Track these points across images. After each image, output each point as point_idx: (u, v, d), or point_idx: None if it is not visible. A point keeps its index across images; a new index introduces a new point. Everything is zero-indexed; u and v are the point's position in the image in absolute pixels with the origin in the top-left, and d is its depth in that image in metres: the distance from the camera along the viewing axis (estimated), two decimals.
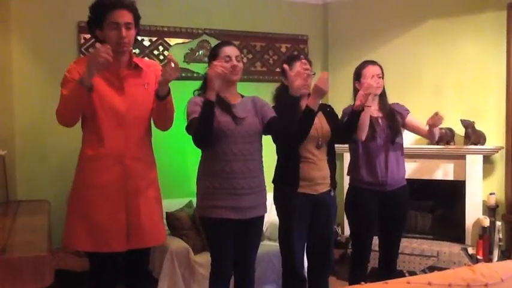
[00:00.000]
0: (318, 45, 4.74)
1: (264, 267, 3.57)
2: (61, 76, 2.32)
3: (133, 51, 2.48)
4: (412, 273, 3.88)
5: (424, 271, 3.91)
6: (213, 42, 4.00)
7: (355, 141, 3.01)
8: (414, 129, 3.18)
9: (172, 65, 2.21)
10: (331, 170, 2.91)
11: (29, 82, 3.70)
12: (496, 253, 3.88)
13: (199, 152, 2.63)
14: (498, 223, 3.94)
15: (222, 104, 2.53)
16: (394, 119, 3.07)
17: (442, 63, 4.28)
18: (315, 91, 2.53)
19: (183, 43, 4.23)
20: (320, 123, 2.85)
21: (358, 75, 3.09)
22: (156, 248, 3.29)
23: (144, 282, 2.53)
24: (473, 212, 4.04)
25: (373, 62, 3.08)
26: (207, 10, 4.29)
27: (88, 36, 3.62)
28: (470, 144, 4.03)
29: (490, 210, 3.98)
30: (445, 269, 1.70)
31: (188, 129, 2.51)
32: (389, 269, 3.13)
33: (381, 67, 3.08)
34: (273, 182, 2.91)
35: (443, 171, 4.19)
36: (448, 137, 4.10)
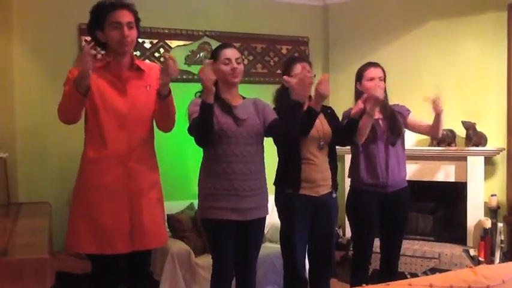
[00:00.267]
0: (318, 47, 4.75)
1: (265, 269, 3.57)
2: (62, 78, 2.34)
3: (134, 53, 2.46)
4: (414, 275, 3.88)
5: (425, 273, 3.91)
6: (214, 44, 4.01)
7: (355, 144, 3.01)
8: (416, 128, 3.16)
9: (172, 63, 2.19)
10: (332, 172, 2.92)
11: (30, 84, 3.71)
12: (497, 255, 3.88)
13: (200, 154, 2.64)
14: (500, 224, 3.94)
15: (223, 106, 2.53)
16: (394, 120, 3.07)
17: (442, 64, 4.28)
18: (317, 96, 2.54)
19: (183, 45, 4.23)
20: (321, 124, 2.86)
21: (360, 77, 3.09)
22: (157, 250, 3.29)
23: (145, 284, 2.53)
24: (475, 214, 4.04)
25: (375, 64, 3.08)
26: (208, 12, 4.29)
27: (89, 38, 3.61)
28: (472, 146, 4.03)
29: (492, 211, 3.97)
30: (446, 270, 1.70)
31: (190, 130, 2.52)
32: (390, 271, 3.13)
33: (383, 69, 3.08)
34: (274, 183, 2.91)
35: (445, 173, 4.18)
36: (449, 138, 4.10)
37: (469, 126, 4.02)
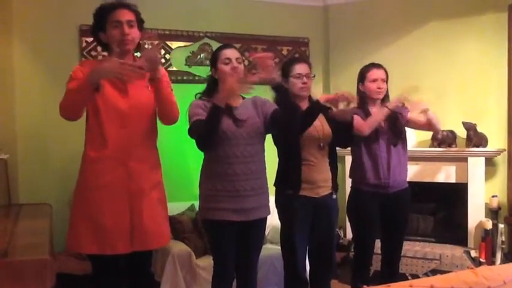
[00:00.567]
0: (319, 48, 4.74)
1: (266, 270, 3.57)
2: (62, 78, 2.33)
3: (135, 54, 2.46)
4: (415, 276, 3.87)
5: (426, 274, 3.90)
6: (214, 45, 4.01)
7: (356, 143, 3.00)
8: (416, 125, 3.17)
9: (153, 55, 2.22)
10: (332, 173, 2.91)
11: (30, 85, 3.71)
12: (498, 256, 3.88)
13: (201, 155, 2.63)
14: (501, 225, 3.93)
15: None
16: (396, 121, 3.07)
17: (443, 65, 4.28)
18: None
19: (184, 46, 4.23)
20: (321, 124, 2.85)
21: (362, 78, 3.09)
22: (158, 251, 3.29)
23: (146, 285, 2.53)
24: (476, 215, 4.03)
25: (378, 66, 3.09)
26: (208, 13, 4.29)
27: (90, 39, 3.63)
28: (472, 147, 4.02)
29: (493, 212, 3.97)
30: (447, 272, 1.70)
31: (190, 131, 2.51)
32: (391, 272, 3.13)
33: (385, 71, 3.08)
34: (275, 184, 2.90)
35: (445, 174, 4.18)
36: (449, 139, 4.10)
37: (469, 127, 4.02)
